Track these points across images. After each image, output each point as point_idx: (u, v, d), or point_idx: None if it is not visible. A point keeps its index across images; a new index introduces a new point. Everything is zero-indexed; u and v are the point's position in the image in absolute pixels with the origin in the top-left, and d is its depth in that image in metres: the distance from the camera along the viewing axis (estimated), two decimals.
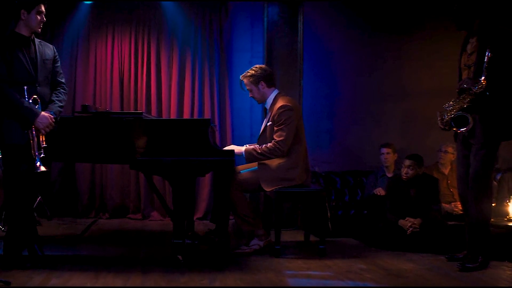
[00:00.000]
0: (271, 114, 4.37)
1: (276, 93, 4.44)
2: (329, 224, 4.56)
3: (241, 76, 4.45)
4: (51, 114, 3.72)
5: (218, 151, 3.92)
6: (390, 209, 4.92)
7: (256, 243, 4.30)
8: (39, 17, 3.74)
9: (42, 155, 3.64)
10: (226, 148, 4.31)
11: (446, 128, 3.99)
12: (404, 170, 4.94)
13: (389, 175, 5.55)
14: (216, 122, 6.20)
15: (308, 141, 4.58)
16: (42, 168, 3.61)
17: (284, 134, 4.21)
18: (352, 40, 6.28)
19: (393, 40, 6.28)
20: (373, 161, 5.86)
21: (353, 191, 5.85)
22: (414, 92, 6.27)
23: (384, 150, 5.58)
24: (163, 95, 6.29)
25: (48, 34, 6.05)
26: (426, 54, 6.25)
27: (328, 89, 6.28)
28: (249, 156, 4.25)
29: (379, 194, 5.35)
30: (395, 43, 6.29)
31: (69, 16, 6.21)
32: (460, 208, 4.91)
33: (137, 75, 6.31)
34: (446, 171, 5.52)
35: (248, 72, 4.41)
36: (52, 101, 3.82)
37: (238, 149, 4.27)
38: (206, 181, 6.18)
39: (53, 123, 3.71)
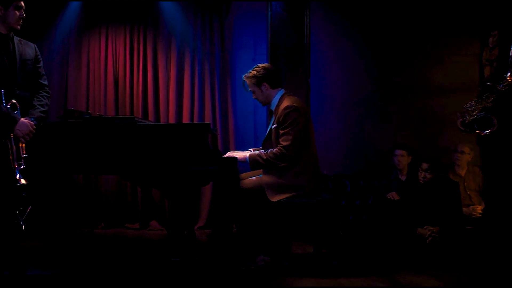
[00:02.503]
0: (276, 116, 4.02)
1: (282, 93, 4.11)
2: (340, 231, 4.23)
3: (243, 76, 4.14)
4: (32, 121, 3.40)
5: (219, 159, 3.57)
6: (406, 215, 4.66)
7: (262, 259, 3.94)
8: (18, 13, 3.45)
9: (22, 166, 3.30)
10: (227, 154, 3.97)
11: (467, 130, 3.75)
12: (421, 174, 4.77)
13: (403, 178, 5.29)
14: (218, 125, 5.92)
15: (316, 143, 4.25)
16: (23, 181, 3.28)
17: (291, 137, 3.85)
18: (363, 35, 5.97)
19: (406, 35, 5.96)
20: (385, 163, 5.61)
21: (364, 195, 5.57)
22: (427, 89, 5.98)
23: (398, 152, 5.27)
24: (160, 98, 6.02)
25: (37, 35, 5.74)
26: (440, 49, 5.94)
27: (338, 88, 5.97)
28: (253, 163, 3.90)
29: (392, 198, 5.09)
30: (408, 38, 5.97)
31: (59, 16, 5.97)
32: (479, 211, 4.85)
33: (133, 76, 6.05)
34: (463, 173, 5.24)
35: (250, 72, 4.08)
36: (33, 106, 3.51)
37: (241, 155, 3.93)
38: (207, 186, 5.83)
39: (34, 131, 3.39)
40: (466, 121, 3.69)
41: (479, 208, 4.95)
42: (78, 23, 5.99)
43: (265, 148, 4.09)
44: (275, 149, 3.89)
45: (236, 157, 3.79)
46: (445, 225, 4.41)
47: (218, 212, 4.34)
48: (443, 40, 5.90)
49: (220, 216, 4.18)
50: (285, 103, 3.97)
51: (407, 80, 5.99)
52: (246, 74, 4.10)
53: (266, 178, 3.94)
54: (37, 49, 3.65)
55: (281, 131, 3.91)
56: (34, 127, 3.39)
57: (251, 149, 4.16)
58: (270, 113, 4.33)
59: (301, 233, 5.20)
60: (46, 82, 3.66)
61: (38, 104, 3.51)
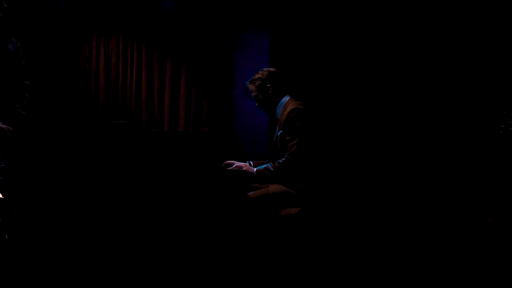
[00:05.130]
0: (281, 121, 3.73)
1: (287, 99, 3.82)
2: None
3: (246, 82, 3.91)
4: (9, 126, 3.12)
5: (226, 172, 3.33)
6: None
7: None
8: None
9: None
10: (235, 166, 3.72)
11: (503, 141, 3.62)
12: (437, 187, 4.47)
13: None
14: (217, 130, 5.70)
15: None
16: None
17: (297, 143, 3.56)
18: (375, 36, 5.62)
19: (422, 34, 5.55)
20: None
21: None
22: (443, 96, 5.62)
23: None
24: (155, 99, 5.83)
25: (26, 36, 5.43)
26: (463, 47, 5.49)
27: (350, 92, 5.63)
28: (261, 177, 3.66)
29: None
30: (423, 38, 5.57)
31: (50, 15, 5.80)
32: (489, 222, 4.63)
33: (126, 76, 5.88)
34: None
35: (254, 76, 3.84)
36: (13, 108, 3.22)
37: (247, 168, 3.70)
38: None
39: (11, 136, 3.12)
40: (502, 131, 3.41)
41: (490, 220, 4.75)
42: (68, 24, 5.85)
43: (270, 155, 3.85)
44: (281, 159, 3.61)
45: (242, 168, 3.60)
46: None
47: (220, 226, 4.02)
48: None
49: (224, 232, 3.87)
50: (291, 107, 3.69)
51: (423, 84, 5.50)
52: (249, 79, 3.88)
53: (273, 187, 3.64)
54: (19, 43, 3.37)
55: (287, 137, 3.64)
56: (13, 132, 3.11)
57: (251, 161, 3.92)
58: (275, 121, 4.04)
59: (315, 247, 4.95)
60: (28, 82, 3.39)
61: (18, 108, 3.25)
